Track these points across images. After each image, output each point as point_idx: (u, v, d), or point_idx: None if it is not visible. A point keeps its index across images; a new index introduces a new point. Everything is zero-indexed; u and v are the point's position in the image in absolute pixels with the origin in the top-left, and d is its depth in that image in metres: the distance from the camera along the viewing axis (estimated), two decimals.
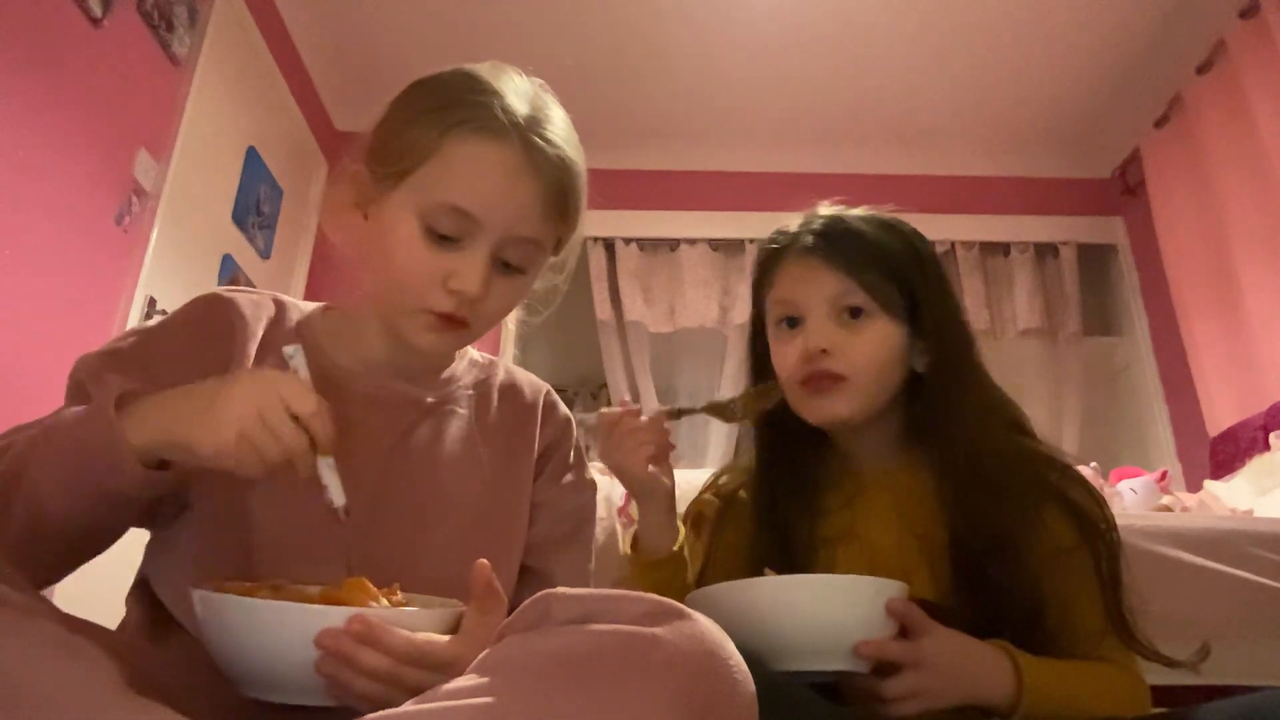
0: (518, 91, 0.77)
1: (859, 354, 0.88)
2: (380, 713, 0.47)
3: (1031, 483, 0.87)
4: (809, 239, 0.92)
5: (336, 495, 0.65)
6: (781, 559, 0.88)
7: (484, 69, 0.79)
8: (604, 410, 0.90)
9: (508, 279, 0.77)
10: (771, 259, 0.95)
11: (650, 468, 0.89)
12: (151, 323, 0.81)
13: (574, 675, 0.47)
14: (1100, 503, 0.87)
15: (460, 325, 0.76)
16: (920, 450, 0.91)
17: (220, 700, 0.59)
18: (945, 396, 0.88)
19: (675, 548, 0.91)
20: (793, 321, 0.92)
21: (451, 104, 0.75)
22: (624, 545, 0.94)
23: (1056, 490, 0.87)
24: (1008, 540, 0.82)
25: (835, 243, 0.90)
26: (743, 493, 0.99)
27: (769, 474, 0.95)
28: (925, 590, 0.83)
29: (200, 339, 0.78)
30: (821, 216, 0.94)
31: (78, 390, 0.75)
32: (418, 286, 0.74)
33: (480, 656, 0.51)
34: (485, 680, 0.48)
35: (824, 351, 0.88)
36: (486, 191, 0.73)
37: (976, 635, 0.78)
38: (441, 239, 0.74)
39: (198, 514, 0.72)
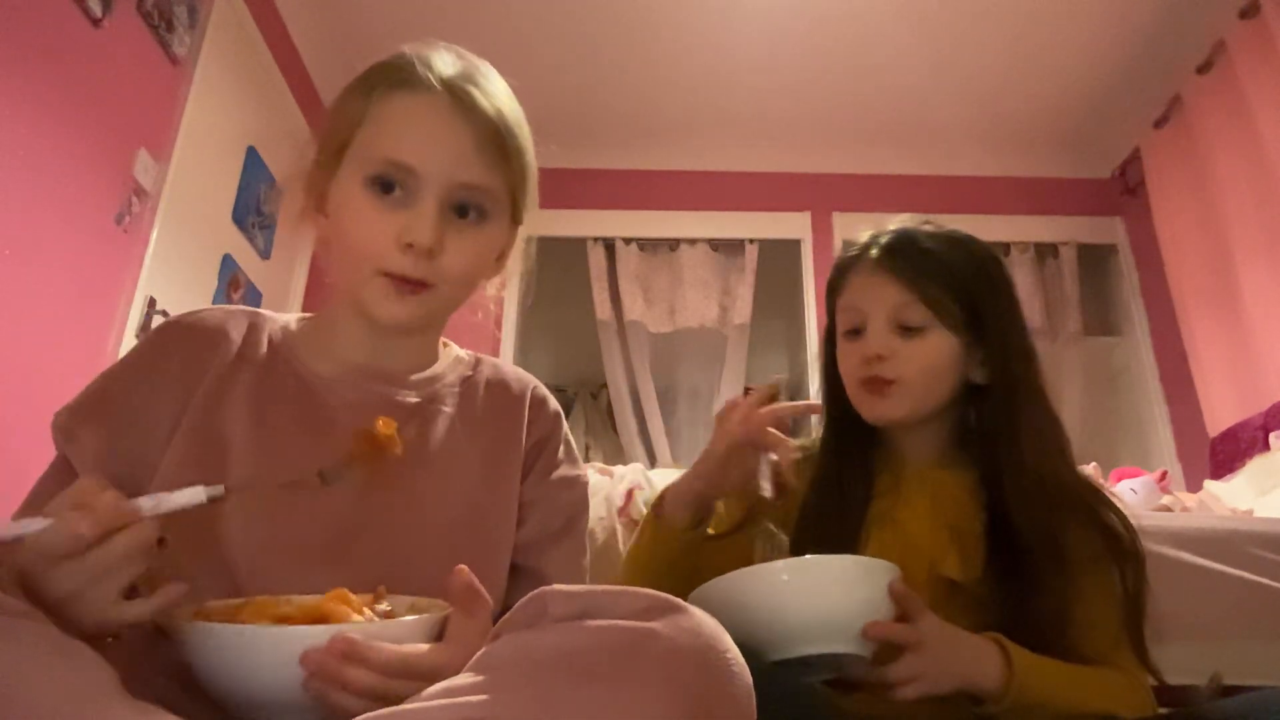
0: (444, 59, 0.80)
1: (913, 362, 0.93)
2: (376, 712, 0.47)
3: (1071, 500, 0.91)
4: (876, 252, 0.97)
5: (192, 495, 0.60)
6: (838, 530, 0.93)
7: (411, 45, 0.82)
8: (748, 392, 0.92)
9: (464, 233, 0.77)
10: (843, 269, 1.02)
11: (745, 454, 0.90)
12: (114, 365, 0.79)
13: (570, 671, 0.47)
14: (1132, 531, 0.91)
15: (423, 288, 0.76)
16: (966, 455, 0.96)
17: (215, 704, 0.58)
18: (1003, 410, 0.93)
19: (687, 532, 0.91)
20: (855, 332, 0.98)
21: (376, 73, 0.79)
22: (619, 541, 0.94)
23: (1093, 511, 0.91)
24: (1042, 545, 0.86)
25: (901, 256, 0.96)
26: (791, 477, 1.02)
27: (836, 454, 1.01)
28: (954, 574, 0.87)
29: (159, 370, 0.77)
30: (891, 231, 0.99)
31: (55, 444, 0.74)
32: (374, 250, 0.75)
33: (477, 655, 0.51)
34: (481, 678, 0.48)
35: (880, 357, 0.93)
36: (417, 139, 0.75)
37: (1004, 626, 0.82)
38: (388, 197, 0.75)
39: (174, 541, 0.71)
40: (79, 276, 1.82)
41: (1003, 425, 0.92)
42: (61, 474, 0.73)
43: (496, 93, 0.79)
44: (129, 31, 1.95)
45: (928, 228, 1.00)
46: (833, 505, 0.96)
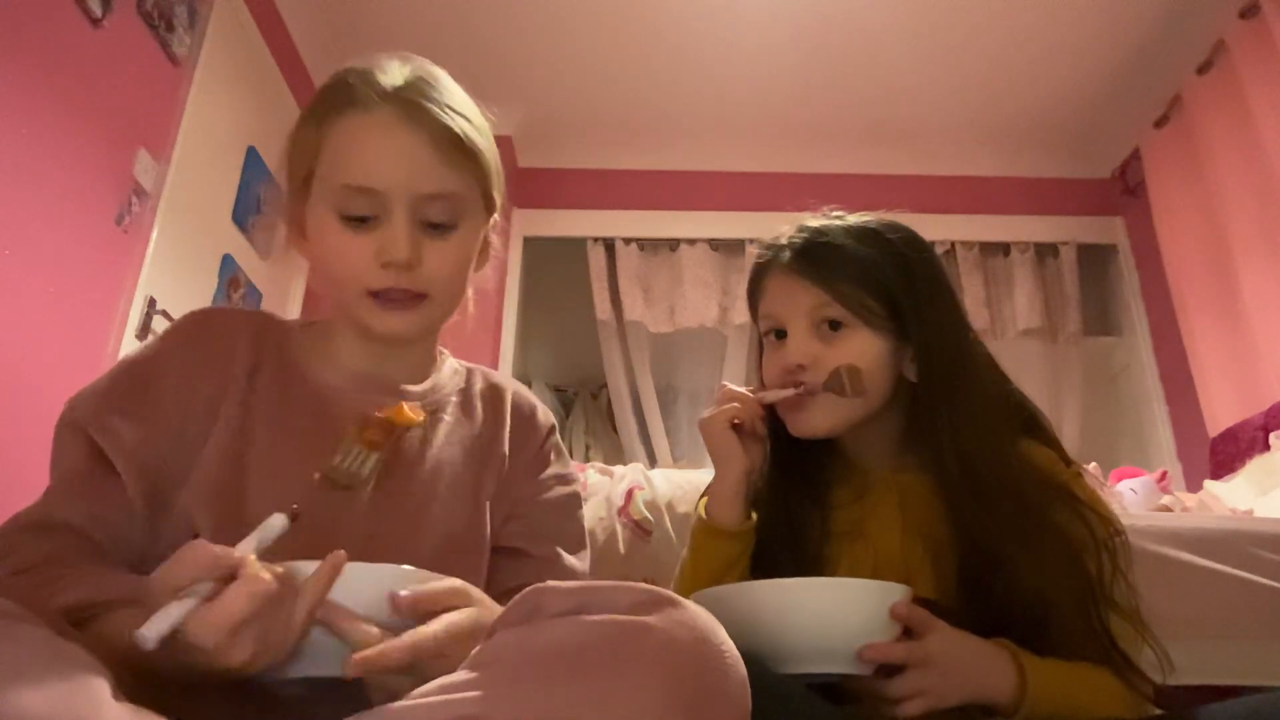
0: (388, 70, 0.78)
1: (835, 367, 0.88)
2: (370, 711, 0.47)
3: (1021, 498, 0.85)
4: (787, 254, 0.93)
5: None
6: (794, 551, 0.89)
7: (358, 60, 0.80)
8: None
9: (440, 240, 0.77)
10: (759, 273, 0.97)
11: (733, 435, 0.89)
12: (136, 353, 0.79)
13: (566, 666, 0.48)
14: (1103, 522, 0.85)
15: (415, 299, 0.77)
16: (924, 454, 0.91)
17: (210, 705, 0.58)
18: (934, 407, 0.88)
19: (742, 528, 0.89)
20: (780, 334, 0.93)
21: (323, 98, 0.78)
22: (619, 541, 0.94)
23: (1045, 510, 0.85)
24: (1004, 550, 0.82)
25: (812, 257, 0.91)
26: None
27: (781, 469, 0.95)
28: (928, 591, 0.83)
29: (195, 357, 0.77)
30: (804, 230, 0.94)
31: (75, 436, 0.72)
32: (356, 273, 0.76)
33: (473, 652, 0.52)
34: (476, 675, 0.48)
35: (801, 366, 0.89)
36: (373, 160, 0.75)
37: (981, 636, 0.78)
38: (359, 222, 0.75)
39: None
40: (79, 276, 1.82)
41: (937, 423, 0.87)
42: (88, 463, 0.71)
43: (446, 95, 0.78)
44: (129, 32, 1.95)
45: (847, 221, 0.94)
46: (783, 527, 0.91)
